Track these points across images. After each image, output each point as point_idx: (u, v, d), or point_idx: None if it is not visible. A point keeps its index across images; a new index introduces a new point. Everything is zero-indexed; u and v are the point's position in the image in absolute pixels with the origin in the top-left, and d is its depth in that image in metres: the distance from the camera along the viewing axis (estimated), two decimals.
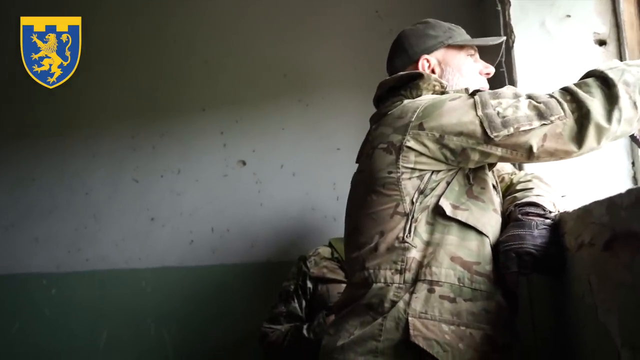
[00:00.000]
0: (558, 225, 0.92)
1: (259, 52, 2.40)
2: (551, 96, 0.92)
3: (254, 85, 2.40)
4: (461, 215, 0.94)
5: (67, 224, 2.54)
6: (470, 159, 0.96)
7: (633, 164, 1.42)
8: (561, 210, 0.98)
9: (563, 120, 0.87)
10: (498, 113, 0.91)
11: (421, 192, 0.96)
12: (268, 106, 2.39)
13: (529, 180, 1.14)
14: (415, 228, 0.95)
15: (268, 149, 2.37)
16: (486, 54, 1.22)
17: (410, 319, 0.89)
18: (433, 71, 1.16)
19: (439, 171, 0.98)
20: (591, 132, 0.86)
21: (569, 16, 1.47)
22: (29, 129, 2.61)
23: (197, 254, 2.38)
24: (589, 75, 0.93)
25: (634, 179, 1.41)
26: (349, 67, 2.31)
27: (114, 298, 2.42)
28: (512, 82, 1.49)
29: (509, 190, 1.13)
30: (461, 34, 1.21)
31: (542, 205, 0.98)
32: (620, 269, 0.63)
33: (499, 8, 1.51)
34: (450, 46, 1.18)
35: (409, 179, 0.97)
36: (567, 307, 0.89)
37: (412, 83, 1.09)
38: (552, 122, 0.88)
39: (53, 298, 2.49)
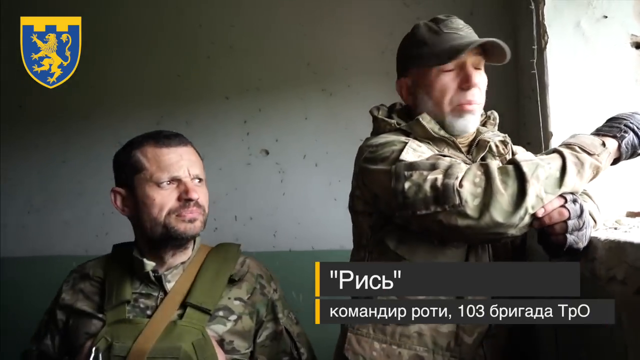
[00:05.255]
0: (588, 247, 0.92)
1: (283, 39, 2.38)
2: (459, 177, 0.88)
3: (278, 73, 2.39)
4: (401, 250, 1.01)
5: (95, 208, 2.60)
6: (397, 222, 0.99)
7: None
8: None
9: (457, 208, 0.85)
10: (402, 191, 0.92)
11: (373, 228, 1.05)
12: (291, 95, 2.38)
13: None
14: (370, 260, 1.05)
15: (291, 138, 2.38)
16: (493, 50, 1.07)
17: (349, 334, 1.02)
18: (410, 92, 1.12)
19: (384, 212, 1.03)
20: (484, 222, 0.85)
21: (605, 17, 1.42)
22: (58, 112, 2.65)
23: (221, 242, 2.42)
24: (508, 162, 0.90)
25: None
26: (375, 55, 2.27)
27: None
28: (544, 85, 1.46)
29: None
30: (436, 44, 1.05)
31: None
32: None
33: (532, 7, 1.46)
34: (420, 65, 1.09)
35: (363, 217, 1.07)
36: (590, 333, 0.90)
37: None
38: (445, 209, 0.87)
39: None
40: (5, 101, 2.70)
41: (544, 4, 1.45)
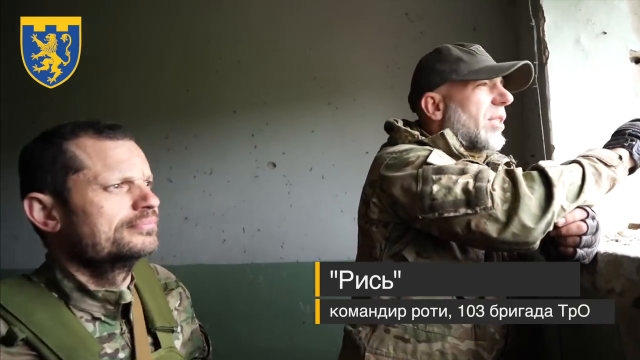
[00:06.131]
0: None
1: (289, 53, 2.43)
2: (490, 180, 0.90)
3: (284, 87, 2.44)
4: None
5: None
6: (416, 226, 1.00)
7: None
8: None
9: (489, 211, 0.86)
10: (430, 193, 0.92)
11: (388, 239, 1.04)
12: (298, 109, 2.43)
13: None
14: None
15: (298, 151, 2.42)
16: (515, 76, 1.14)
17: (367, 354, 1.01)
18: (438, 107, 1.12)
19: (401, 222, 1.02)
20: (514, 227, 0.85)
21: (604, 33, 1.45)
22: None
23: (229, 253, 2.47)
24: (533, 168, 0.91)
25: None
26: (380, 69, 2.32)
27: None
28: (545, 99, 1.49)
29: None
30: (473, 62, 1.10)
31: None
32: None
33: (533, 23, 1.50)
34: (455, 80, 1.11)
35: (377, 227, 1.05)
36: (595, 343, 0.93)
37: (390, 132, 1.15)
38: (476, 212, 0.88)
39: None
40: (17, 117, 2.76)
41: (544, 21, 1.48)
